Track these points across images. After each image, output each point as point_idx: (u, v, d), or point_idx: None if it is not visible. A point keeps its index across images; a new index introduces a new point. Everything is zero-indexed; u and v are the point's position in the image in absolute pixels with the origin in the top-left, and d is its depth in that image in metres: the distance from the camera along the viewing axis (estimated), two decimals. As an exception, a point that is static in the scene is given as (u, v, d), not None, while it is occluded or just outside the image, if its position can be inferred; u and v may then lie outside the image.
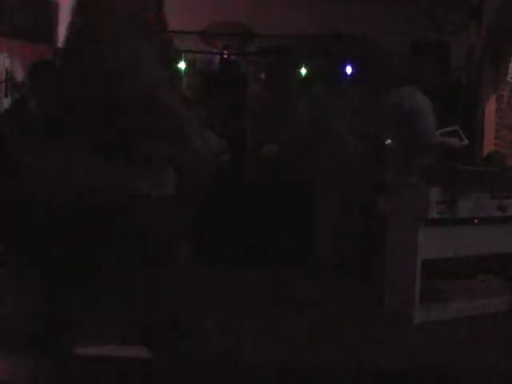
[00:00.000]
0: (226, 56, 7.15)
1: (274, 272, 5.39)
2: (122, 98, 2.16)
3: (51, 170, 2.24)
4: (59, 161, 2.24)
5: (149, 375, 3.26)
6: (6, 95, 6.72)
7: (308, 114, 5.29)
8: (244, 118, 6.80)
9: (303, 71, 7.01)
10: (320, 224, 5.34)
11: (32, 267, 2.87)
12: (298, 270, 5.32)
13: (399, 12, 7.03)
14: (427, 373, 3.46)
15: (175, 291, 2.65)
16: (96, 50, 2.20)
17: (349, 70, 7.00)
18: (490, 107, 6.72)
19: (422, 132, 4.70)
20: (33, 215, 2.35)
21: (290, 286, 5.13)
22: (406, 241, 4.33)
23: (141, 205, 2.24)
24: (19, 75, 6.78)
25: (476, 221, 4.45)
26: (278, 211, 5.82)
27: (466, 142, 4.97)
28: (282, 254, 5.56)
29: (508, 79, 6.51)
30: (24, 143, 5.22)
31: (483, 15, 6.77)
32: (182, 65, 6.99)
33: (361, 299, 4.76)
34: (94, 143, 2.19)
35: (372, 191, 5.69)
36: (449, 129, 5.00)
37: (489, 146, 6.46)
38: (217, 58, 7.23)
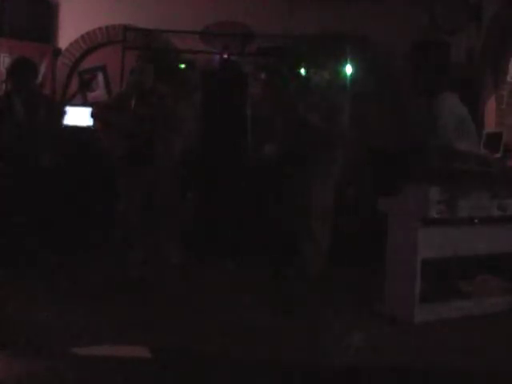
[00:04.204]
0: (225, 56, 7.15)
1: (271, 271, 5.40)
2: None
3: None
4: None
5: (149, 375, 3.27)
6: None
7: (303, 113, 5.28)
8: (244, 117, 6.80)
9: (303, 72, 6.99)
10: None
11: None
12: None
13: (399, 12, 7.03)
14: (427, 373, 3.46)
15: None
16: None
17: (349, 70, 7.01)
18: (490, 107, 6.72)
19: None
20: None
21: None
22: (406, 241, 4.33)
23: None
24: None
25: (476, 221, 4.45)
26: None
27: None
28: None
29: (508, 79, 6.51)
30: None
31: (483, 15, 6.77)
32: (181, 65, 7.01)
33: (361, 299, 4.77)
34: None
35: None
36: None
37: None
38: (217, 58, 7.23)
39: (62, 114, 5.98)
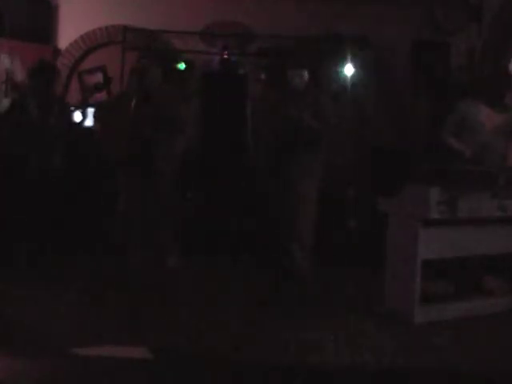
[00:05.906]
0: (226, 56, 7.15)
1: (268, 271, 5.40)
2: None
3: None
4: None
5: (149, 375, 3.27)
6: (6, 95, 6.72)
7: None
8: (244, 117, 6.81)
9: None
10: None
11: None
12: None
13: (399, 12, 7.03)
14: (427, 373, 3.46)
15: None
16: None
17: (349, 70, 7.02)
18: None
19: None
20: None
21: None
22: (406, 241, 4.33)
23: None
24: (19, 75, 6.79)
25: (476, 221, 4.45)
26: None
27: None
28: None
29: (508, 79, 6.50)
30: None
31: (483, 15, 6.77)
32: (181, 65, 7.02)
33: (361, 299, 4.77)
34: None
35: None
36: None
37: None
38: (217, 59, 7.24)
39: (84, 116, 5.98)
